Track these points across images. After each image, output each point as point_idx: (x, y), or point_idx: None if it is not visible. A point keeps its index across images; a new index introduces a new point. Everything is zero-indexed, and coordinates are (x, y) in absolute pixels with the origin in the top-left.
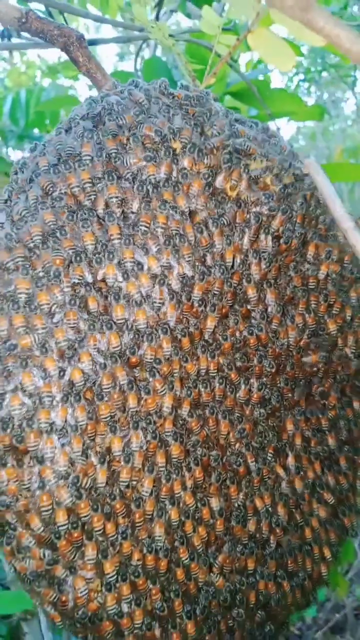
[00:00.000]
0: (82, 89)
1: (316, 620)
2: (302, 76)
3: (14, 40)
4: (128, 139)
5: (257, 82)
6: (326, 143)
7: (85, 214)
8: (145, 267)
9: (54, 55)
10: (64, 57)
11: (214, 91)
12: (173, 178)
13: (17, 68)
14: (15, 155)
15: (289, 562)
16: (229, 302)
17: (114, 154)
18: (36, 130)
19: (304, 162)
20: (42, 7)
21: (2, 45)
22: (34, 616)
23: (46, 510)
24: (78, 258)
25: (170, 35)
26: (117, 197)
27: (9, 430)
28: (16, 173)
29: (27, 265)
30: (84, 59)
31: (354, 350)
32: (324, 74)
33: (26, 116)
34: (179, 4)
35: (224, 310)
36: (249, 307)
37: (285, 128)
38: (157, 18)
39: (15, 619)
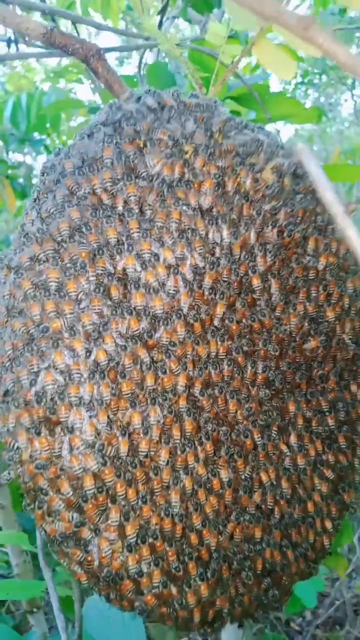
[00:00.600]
0: (83, 91)
1: (316, 615)
2: (300, 79)
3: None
4: (145, 143)
5: (257, 86)
6: (324, 145)
7: (107, 211)
8: (162, 258)
9: (54, 60)
10: (65, 62)
11: (216, 96)
12: (186, 177)
13: (17, 72)
14: (15, 158)
15: (293, 533)
16: (236, 290)
17: (132, 156)
18: (36, 134)
19: (296, 148)
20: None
21: (12, 56)
22: (40, 609)
23: (77, 470)
24: (101, 251)
25: (177, 44)
26: (135, 196)
27: (43, 403)
28: (43, 174)
29: (57, 257)
30: (103, 70)
31: (351, 337)
32: (323, 76)
33: (27, 120)
34: (180, 10)
35: (231, 299)
36: (254, 295)
37: (283, 130)
38: (160, 25)
39: (22, 611)
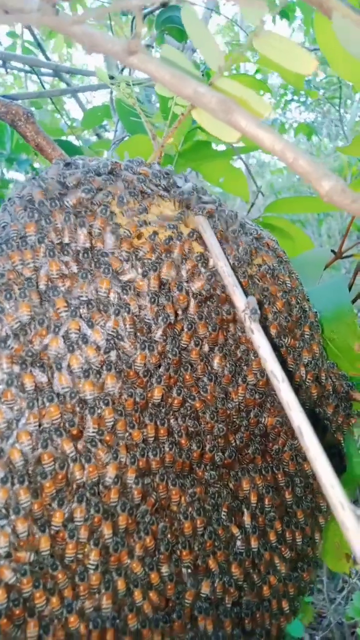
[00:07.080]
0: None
1: (313, 638)
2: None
3: None
4: (70, 217)
5: None
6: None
7: (26, 289)
8: (90, 339)
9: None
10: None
11: (181, 128)
12: (115, 253)
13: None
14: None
15: (246, 620)
16: (175, 368)
17: (56, 231)
18: (24, 155)
19: (195, 220)
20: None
21: None
22: None
23: None
24: (17, 335)
25: (139, 84)
26: (58, 272)
27: None
28: None
29: None
30: (32, 134)
31: (307, 406)
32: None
33: (11, 140)
34: (155, 38)
35: (171, 381)
36: (196, 370)
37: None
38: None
39: None
